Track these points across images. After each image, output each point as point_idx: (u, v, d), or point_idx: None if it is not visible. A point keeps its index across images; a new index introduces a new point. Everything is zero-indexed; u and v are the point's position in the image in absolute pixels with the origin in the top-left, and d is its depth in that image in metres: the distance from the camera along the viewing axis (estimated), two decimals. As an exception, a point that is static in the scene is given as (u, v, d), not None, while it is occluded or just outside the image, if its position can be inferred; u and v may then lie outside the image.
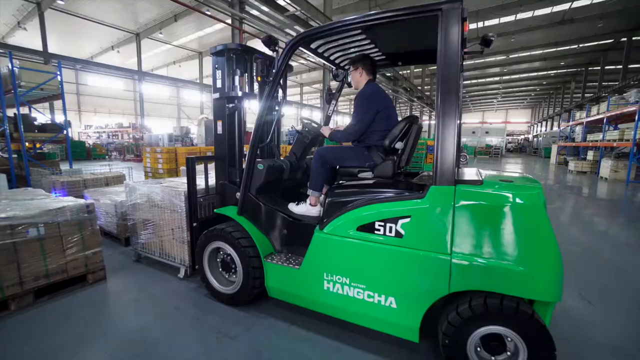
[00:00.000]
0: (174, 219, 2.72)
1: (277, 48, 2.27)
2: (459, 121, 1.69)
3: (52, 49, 14.17)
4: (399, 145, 2.14)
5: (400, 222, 1.73)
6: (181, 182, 3.01)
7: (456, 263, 1.62)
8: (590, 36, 19.43)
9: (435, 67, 1.69)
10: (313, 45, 2.34)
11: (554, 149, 19.32)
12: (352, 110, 2.32)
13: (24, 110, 5.84)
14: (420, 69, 25.60)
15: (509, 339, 1.58)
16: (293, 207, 2.33)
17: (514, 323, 1.52)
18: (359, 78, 2.32)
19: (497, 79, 31.10)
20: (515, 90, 37.43)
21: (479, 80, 32.15)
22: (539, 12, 16.18)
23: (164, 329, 2.13)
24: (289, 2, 9.30)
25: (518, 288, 1.53)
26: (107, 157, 19.43)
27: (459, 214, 1.61)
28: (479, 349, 1.63)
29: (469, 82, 32.85)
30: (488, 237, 1.58)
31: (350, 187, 2.03)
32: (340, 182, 2.25)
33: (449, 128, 1.64)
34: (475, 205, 1.60)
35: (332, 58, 2.65)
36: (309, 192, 2.33)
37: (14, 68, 5.03)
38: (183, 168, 3.17)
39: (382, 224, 1.78)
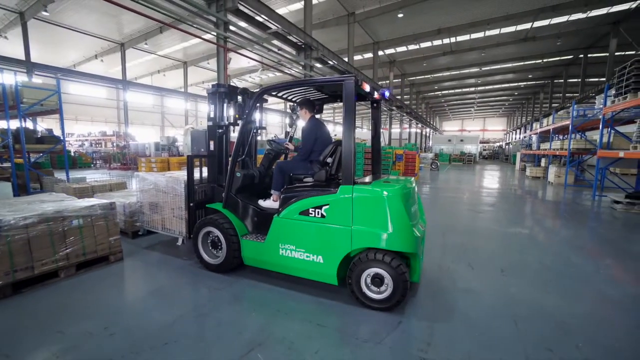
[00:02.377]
0: (175, 201, 3.69)
1: (247, 97, 3.42)
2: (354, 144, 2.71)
3: (34, 56, 14.26)
4: (329, 159, 3.14)
5: (324, 207, 2.73)
6: (181, 174, 3.99)
7: (355, 230, 2.60)
8: (552, 52, 21.03)
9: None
10: (274, 93, 3.41)
11: (518, 156, 20.60)
12: (301, 137, 3.39)
13: (24, 123, 6.20)
14: (400, 80, 26.74)
15: (384, 276, 2.54)
16: (261, 202, 3.32)
17: (386, 267, 2.51)
18: (304, 115, 3.37)
19: (473, 89, 32.72)
20: (490, 99, 39.36)
21: (457, 90, 33.72)
22: (505, 30, 17.50)
23: (172, 287, 3.03)
24: (271, 21, 9.94)
25: (386, 244, 2.51)
26: (92, 165, 19.34)
27: (355, 202, 2.60)
28: (368, 282, 2.62)
29: (447, 92, 34.41)
30: (370, 215, 2.57)
31: (295, 188, 2.99)
32: (292, 184, 3.19)
33: (348, 149, 2.65)
34: (363, 196, 2.58)
35: (288, 99, 3.74)
36: (273, 191, 3.30)
37: (18, 86, 5.45)
38: (137, 173, 4.10)
39: (313, 209, 2.77)
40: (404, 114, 27.16)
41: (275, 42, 11.62)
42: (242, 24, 10.07)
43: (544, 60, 22.58)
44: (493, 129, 54.04)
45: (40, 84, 6.88)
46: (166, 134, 29.27)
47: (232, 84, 12.62)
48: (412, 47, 20.25)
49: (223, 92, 3.46)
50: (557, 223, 6.08)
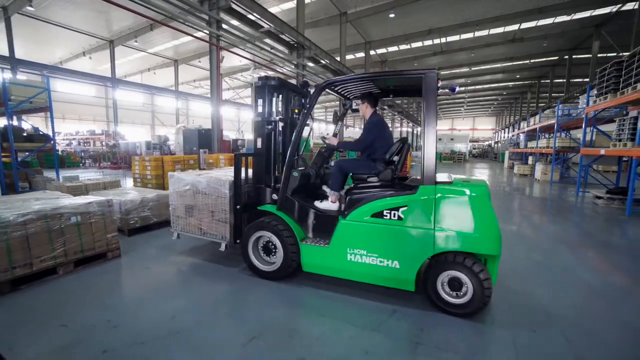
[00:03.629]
0: (217, 204, 3.36)
1: (309, 89, 3.34)
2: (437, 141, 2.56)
3: (18, 53, 13.93)
4: (395, 158, 2.99)
5: (401, 209, 2.55)
6: (221, 174, 3.71)
7: (437, 234, 2.44)
8: (539, 53, 21.52)
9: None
10: (335, 87, 3.24)
11: (507, 154, 21.10)
12: (362, 129, 3.23)
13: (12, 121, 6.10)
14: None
15: (463, 281, 2.43)
16: (318, 204, 3.08)
17: (467, 270, 2.39)
18: (365, 109, 3.18)
19: (462, 89, 33.21)
20: (480, 99, 40.01)
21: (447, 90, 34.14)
22: (494, 31, 17.85)
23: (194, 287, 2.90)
24: (264, 20, 9.97)
25: (474, 247, 2.38)
26: (81, 164, 19.00)
27: (438, 202, 2.44)
28: (445, 284, 2.51)
29: (438, 91, 34.81)
30: (455, 216, 2.42)
31: (364, 189, 2.81)
32: (357, 185, 2.94)
33: (431, 147, 2.48)
34: (447, 197, 2.44)
35: (342, 93, 3.49)
36: (330, 192, 3.09)
37: (6, 83, 5.35)
38: (172, 173, 3.77)
39: (388, 211, 2.58)
40: (396, 113, 27.43)
41: (268, 40, 11.66)
42: (235, 22, 10.08)
43: (531, 60, 23.10)
44: (482, 128, 54.93)
45: (27, 81, 6.77)
46: (157, 132, 28.90)
47: (224, 82, 12.49)
48: (403, 46, 20.48)
49: (273, 85, 3.17)
50: (543, 218, 6.32)
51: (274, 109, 3.26)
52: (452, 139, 27.66)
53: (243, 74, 24.29)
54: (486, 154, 35.36)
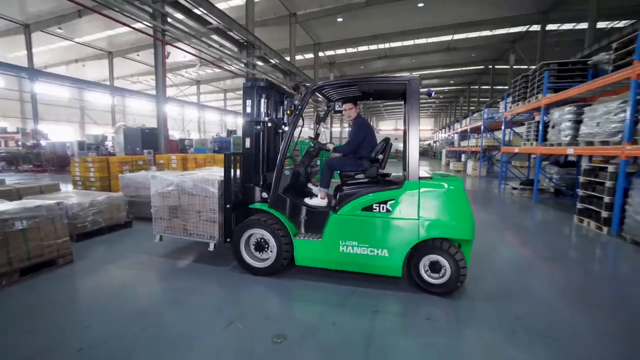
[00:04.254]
0: (205, 203, 3.31)
1: (300, 91, 3.42)
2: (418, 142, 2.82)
3: None
4: (380, 156, 3.22)
5: (389, 202, 2.79)
6: (206, 173, 3.71)
7: (421, 224, 2.71)
8: (469, 62, 24.09)
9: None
10: (325, 90, 3.38)
11: (444, 152, 23.37)
12: (349, 132, 3.37)
13: None
14: (340, 81, 27.88)
15: (442, 263, 2.74)
16: (308, 201, 3.25)
17: (445, 254, 2.71)
18: (351, 112, 3.37)
19: (404, 92, 35.60)
20: (420, 102, 43.22)
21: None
22: (431, 40, 19.58)
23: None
24: (211, 16, 9.73)
25: (453, 233, 2.70)
26: (-10, 167, 16.28)
27: (421, 195, 2.72)
28: (426, 266, 2.81)
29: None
30: (437, 207, 2.71)
31: (354, 185, 3.02)
32: (347, 181, 3.13)
33: (414, 147, 2.75)
34: (430, 190, 2.73)
35: (327, 95, 3.62)
36: (320, 189, 3.26)
37: None
38: (154, 173, 3.62)
39: (378, 205, 2.81)
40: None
41: (216, 37, 11.38)
42: (180, 16, 9.66)
43: (463, 68, 25.73)
44: (423, 128, 59.34)
45: None
46: (88, 131, 26.05)
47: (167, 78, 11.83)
48: (350, 50, 21.36)
49: (261, 86, 3.26)
50: (472, 207, 7.31)
51: (262, 110, 3.32)
52: (396, 139, 29.59)
53: (188, 71, 23.11)
54: (426, 153, 38.48)
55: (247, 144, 3.33)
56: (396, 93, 3.43)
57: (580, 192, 5.63)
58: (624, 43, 5.34)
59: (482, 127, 12.61)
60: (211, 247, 3.38)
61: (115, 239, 4.28)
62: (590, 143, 5.45)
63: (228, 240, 3.29)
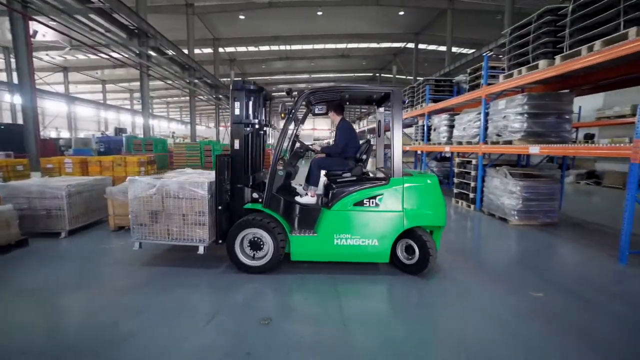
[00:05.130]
0: (192, 206, 3.25)
1: (293, 95, 3.45)
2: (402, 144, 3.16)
3: None
4: (364, 156, 3.55)
5: (378, 197, 3.13)
6: (193, 176, 3.64)
7: (406, 214, 3.10)
8: (360, 69, 26.99)
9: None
10: (318, 95, 3.51)
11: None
12: (335, 135, 3.65)
13: None
14: (240, 79, 27.23)
15: (414, 247, 3.16)
16: (299, 199, 3.41)
17: (414, 238, 3.14)
18: (335, 116, 3.69)
19: (304, 93, 37.23)
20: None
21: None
22: (328, 46, 21.11)
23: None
24: (94, -6, 8.20)
25: (431, 221, 3.16)
26: None
27: (405, 190, 3.11)
28: (403, 250, 3.26)
29: (282, 93, 37.62)
30: (418, 200, 3.13)
31: (346, 183, 3.26)
32: (335, 180, 3.34)
33: (398, 148, 3.13)
34: (412, 186, 3.13)
35: (311, 100, 3.72)
36: (310, 187, 3.47)
37: None
38: (132, 177, 3.46)
39: (368, 200, 3.13)
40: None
41: (98, 19, 9.61)
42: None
43: (355, 74, 28.60)
44: (321, 128, 63.34)
45: None
46: None
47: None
48: (252, 48, 21.10)
49: (250, 89, 3.32)
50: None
51: (250, 112, 3.36)
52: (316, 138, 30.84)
53: (49, 53, 18.57)
54: (326, 151, 41.30)
55: (237, 145, 3.33)
56: (373, 100, 3.85)
57: (455, 180, 7.26)
58: (475, 69, 7.16)
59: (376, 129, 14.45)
60: (201, 251, 3.32)
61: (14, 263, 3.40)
62: (460, 143, 7.07)
63: (220, 241, 3.29)
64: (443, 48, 18.32)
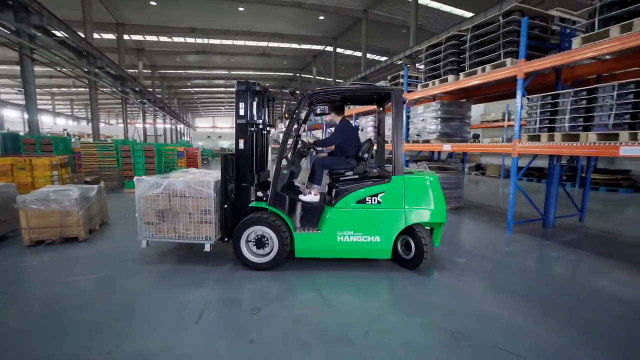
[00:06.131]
0: (199, 205, 3.31)
1: (296, 96, 3.60)
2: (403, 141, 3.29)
3: None
4: (365, 155, 3.58)
5: (379, 195, 3.19)
6: (198, 175, 3.66)
7: (407, 211, 3.17)
8: (281, 68, 27.18)
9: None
10: (319, 97, 3.57)
11: (269, 149, 25.64)
12: (333, 131, 3.71)
13: None
14: (150, 71, 24.50)
15: (412, 243, 3.26)
16: (303, 197, 3.46)
17: (413, 234, 3.22)
18: (336, 117, 3.74)
19: (222, 89, 35.55)
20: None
21: (208, 89, 35.32)
22: (249, 43, 20.70)
23: None
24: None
25: (432, 218, 3.20)
26: None
27: (407, 188, 3.18)
28: (402, 245, 3.37)
29: (199, 89, 35.19)
30: (419, 198, 3.20)
31: (349, 181, 3.34)
32: (339, 179, 3.41)
33: (399, 147, 3.19)
34: (413, 184, 3.20)
35: (314, 100, 3.77)
36: (313, 186, 3.52)
37: None
38: (139, 177, 3.45)
39: (370, 197, 3.20)
40: (157, 109, 25.24)
41: None
42: None
43: (276, 73, 28.67)
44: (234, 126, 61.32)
45: None
46: None
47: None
48: (164, 39, 19.25)
49: (254, 90, 3.38)
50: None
51: (254, 113, 3.41)
52: (220, 137, 29.28)
53: None
54: (249, 150, 40.16)
55: (241, 145, 3.41)
56: (374, 100, 3.98)
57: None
58: (394, 77, 8.21)
59: (305, 127, 14.98)
60: (207, 248, 3.38)
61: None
62: (385, 142, 8.01)
63: (226, 239, 3.38)
64: (358, 54, 19.99)
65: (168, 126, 33.29)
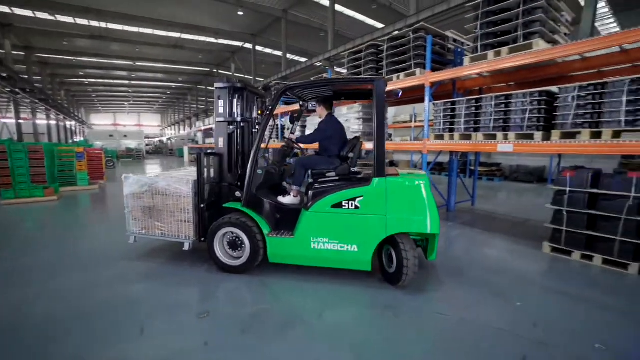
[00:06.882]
0: (179, 204, 3.32)
1: (270, 92, 3.30)
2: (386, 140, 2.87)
3: None
4: (350, 155, 3.30)
5: (357, 199, 2.84)
6: (181, 174, 3.67)
7: (388, 219, 2.77)
8: (196, 63, 25.35)
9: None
10: (296, 91, 3.43)
11: (186, 149, 23.64)
12: (316, 128, 3.43)
13: None
14: (23, 53, 19.99)
15: (393, 254, 2.87)
16: (282, 199, 3.28)
17: (397, 244, 2.81)
18: (321, 111, 3.50)
19: (126, 82, 31.29)
20: (144, 95, 39.56)
21: (108, 81, 30.65)
22: (159, 33, 18.73)
23: None
24: None
25: (417, 228, 2.78)
26: None
27: (388, 192, 2.77)
28: (387, 257, 2.99)
29: (96, 80, 30.26)
30: (403, 203, 2.77)
31: (325, 183, 3.04)
32: (318, 179, 3.11)
33: (381, 145, 2.78)
34: (396, 187, 2.77)
35: (300, 96, 3.69)
36: (293, 187, 3.34)
37: None
38: (126, 175, 3.48)
39: (347, 201, 2.86)
40: (37, 101, 20.76)
41: None
42: None
43: (191, 68, 26.61)
44: (149, 124, 54.77)
45: None
46: None
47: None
48: (43, 15, 15.93)
49: (235, 87, 3.34)
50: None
51: (234, 110, 3.36)
52: (125, 136, 25.71)
53: None
54: (160, 150, 36.25)
55: (220, 144, 3.39)
56: (366, 94, 3.55)
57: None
58: (318, 78, 8.58)
59: (298, 125, 14.35)
60: (186, 247, 3.36)
61: None
62: (312, 140, 8.33)
63: (203, 239, 3.30)
64: (279, 53, 20.06)
65: (53, 122, 27.58)
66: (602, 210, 3.49)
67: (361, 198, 2.83)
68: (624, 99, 3.27)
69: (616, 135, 3.38)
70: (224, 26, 18.05)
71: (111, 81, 30.69)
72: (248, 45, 20.52)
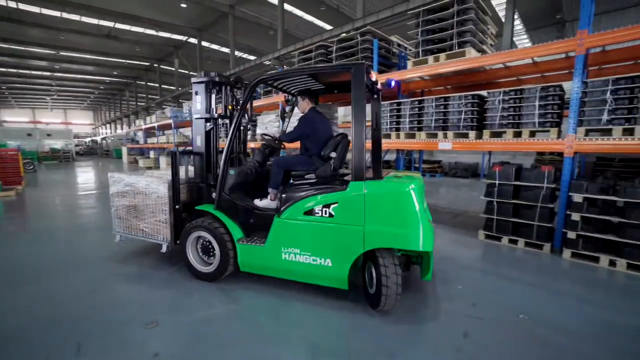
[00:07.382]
0: (157, 204, 3.24)
1: (242, 85, 3.30)
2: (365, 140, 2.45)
3: None
4: (333, 154, 2.88)
5: (332, 206, 2.44)
6: (163, 173, 3.54)
7: (367, 231, 2.32)
8: (133, 56, 23.34)
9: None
10: (270, 82, 3.13)
11: (124, 150, 21.58)
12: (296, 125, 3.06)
13: None
14: None
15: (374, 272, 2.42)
16: (257, 202, 3.00)
17: (377, 263, 2.35)
18: (304, 105, 3.12)
19: (47, 73, 27.58)
20: (72, 90, 35.24)
21: (21, 71, 26.70)
22: (88, 20, 16.84)
23: None
24: None
25: (399, 243, 2.30)
26: None
27: (367, 199, 2.32)
28: (368, 275, 2.52)
29: (7, 70, 26.15)
30: (384, 213, 2.30)
31: (298, 185, 2.69)
32: (291, 181, 2.85)
33: (359, 143, 2.37)
34: (376, 193, 2.32)
35: (285, 89, 3.44)
36: (270, 189, 2.99)
37: None
38: (111, 173, 3.50)
39: (320, 208, 2.48)
40: None
41: None
42: None
43: (127, 61, 24.41)
44: (78, 122, 48.90)
45: None
46: None
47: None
48: None
49: (213, 81, 3.17)
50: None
51: (213, 106, 3.20)
52: (49, 135, 22.56)
53: None
54: (94, 151, 32.56)
55: (198, 142, 3.23)
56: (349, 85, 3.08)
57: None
58: (270, 76, 8.49)
59: (172, 125, 13.49)
60: (164, 249, 3.27)
61: None
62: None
63: (177, 242, 3.14)
64: (226, 50, 19.37)
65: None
66: (524, 200, 4.02)
67: (335, 205, 2.43)
68: (537, 103, 3.82)
69: (532, 134, 3.94)
70: (165, 18, 16.88)
71: (28, 71, 26.83)
72: (193, 40, 19.45)
